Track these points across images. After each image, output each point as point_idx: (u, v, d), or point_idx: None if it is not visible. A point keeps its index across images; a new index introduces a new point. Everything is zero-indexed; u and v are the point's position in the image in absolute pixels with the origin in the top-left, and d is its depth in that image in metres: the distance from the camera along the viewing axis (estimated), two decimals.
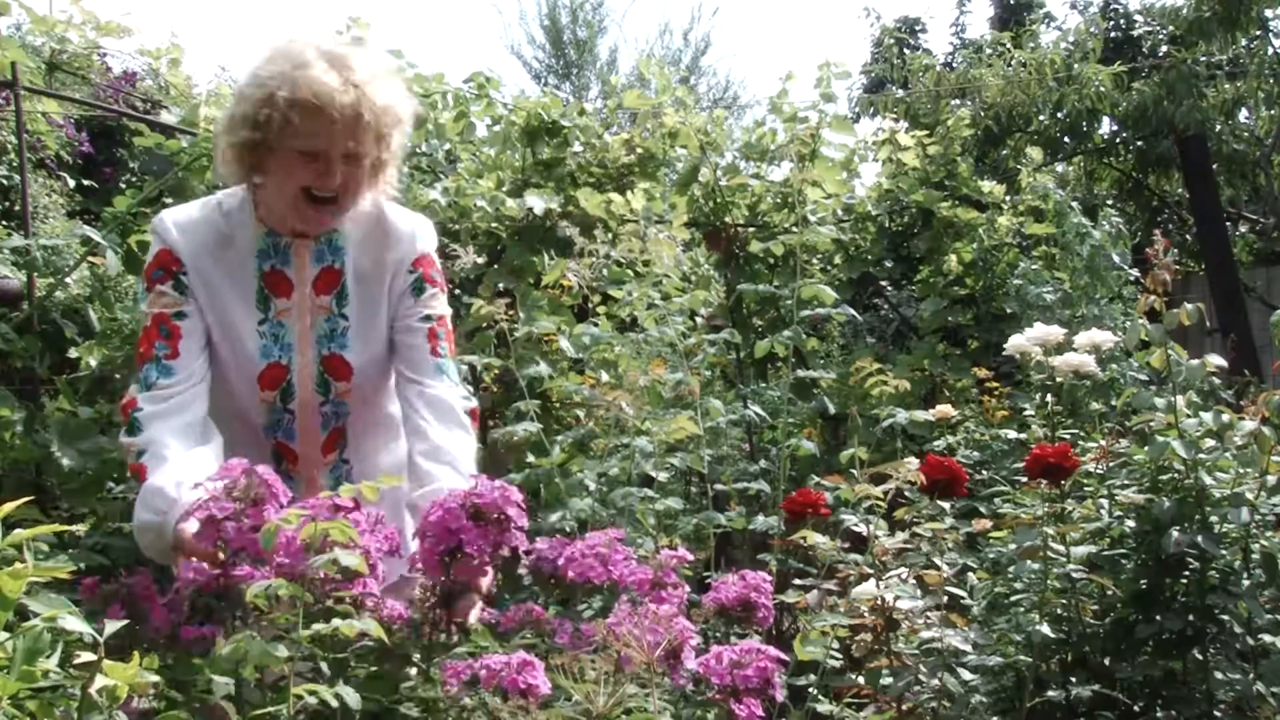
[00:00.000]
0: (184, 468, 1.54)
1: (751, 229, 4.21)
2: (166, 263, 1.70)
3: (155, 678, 1.12)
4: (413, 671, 1.35)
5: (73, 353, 3.14)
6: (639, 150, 3.99)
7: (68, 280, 3.20)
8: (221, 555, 1.32)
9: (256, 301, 1.72)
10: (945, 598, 1.94)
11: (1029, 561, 2.07)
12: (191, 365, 1.67)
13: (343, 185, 1.68)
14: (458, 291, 3.82)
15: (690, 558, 1.58)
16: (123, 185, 5.64)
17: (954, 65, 10.13)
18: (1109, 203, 9.28)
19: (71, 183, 5.09)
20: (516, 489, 1.37)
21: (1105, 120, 8.40)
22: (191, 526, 1.38)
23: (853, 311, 3.17)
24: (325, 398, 1.77)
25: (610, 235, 3.68)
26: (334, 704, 1.15)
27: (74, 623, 1.08)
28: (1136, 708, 2.01)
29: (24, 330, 3.02)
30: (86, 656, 1.10)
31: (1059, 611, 2.07)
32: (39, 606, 1.09)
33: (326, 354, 1.76)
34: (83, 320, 3.19)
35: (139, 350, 1.69)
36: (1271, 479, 2.03)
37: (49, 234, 3.46)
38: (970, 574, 2.18)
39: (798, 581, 2.01)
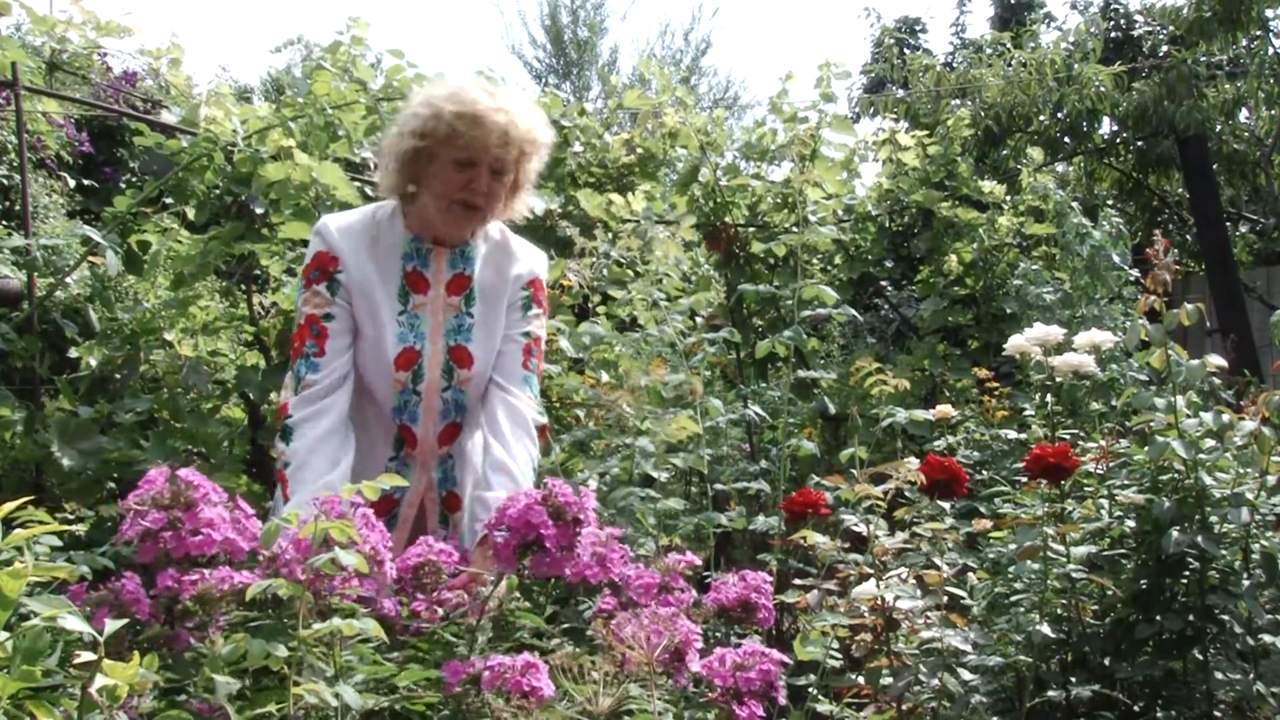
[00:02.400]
0: (310, 490, 1.78)
1: (752, 229, 4.21)
2: (324, 263, 1.97)
3: (155, 677, 1.12)
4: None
5: (73, 353, 3.15)
6: (639, 150, 3.99)
7: (68, 280, 3.20)
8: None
9: (399, 295, 1.99)
10: (945, 598, 1.94)
11: (1029, 561, 2.07)
12: (335, 362, 1.92)
13: (486, 196, 1.97)
14: None
15: (698, 561, 1.59)
16: (123, 185, 5.64)
17: (954, 65, 10.13)
18: (1109, 203, 9.28)
19: (72, 182, 5.09)
20: (593, 496, 1.44)
21: (1105, 120, 8.39)
22: None
23: (853, 312, 3.17)
24: (448, 383, 2.02)
25: (610, 235, 3.68)
26: (334, 703, 1.15)
27: (74, 622, 1.08)
28: (1136, 708, 2.01)
29: (24, 330, 3.02)
30: (86, 656, 1.10)
31: (1059, 611, 2.07)
32: (39, 606, 1.09)
33: (453, 345, 2.02)
34: (83, 320, 3.19)
35: (293, 346, 1.93)
36: (1271, 479, 2.03)
37: (49, 234, 3.46)
38: (970, 574, 2.18)
39: (798, 581, 2.01)
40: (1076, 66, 7.81)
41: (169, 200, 3.28)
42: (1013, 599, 2.13)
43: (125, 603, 1.29)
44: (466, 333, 2.03)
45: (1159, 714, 2.00)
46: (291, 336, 1.95)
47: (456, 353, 2.02)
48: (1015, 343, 2.48)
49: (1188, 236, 9.24)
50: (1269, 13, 7.63)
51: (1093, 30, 8.21)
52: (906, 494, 2.05)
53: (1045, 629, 1.98)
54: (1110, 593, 2.07)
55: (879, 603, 1.93)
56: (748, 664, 1.31)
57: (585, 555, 1.43)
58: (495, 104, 1.94)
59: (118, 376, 3.16)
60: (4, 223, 4.29)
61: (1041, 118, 8.08)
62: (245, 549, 1.39)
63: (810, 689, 1.95)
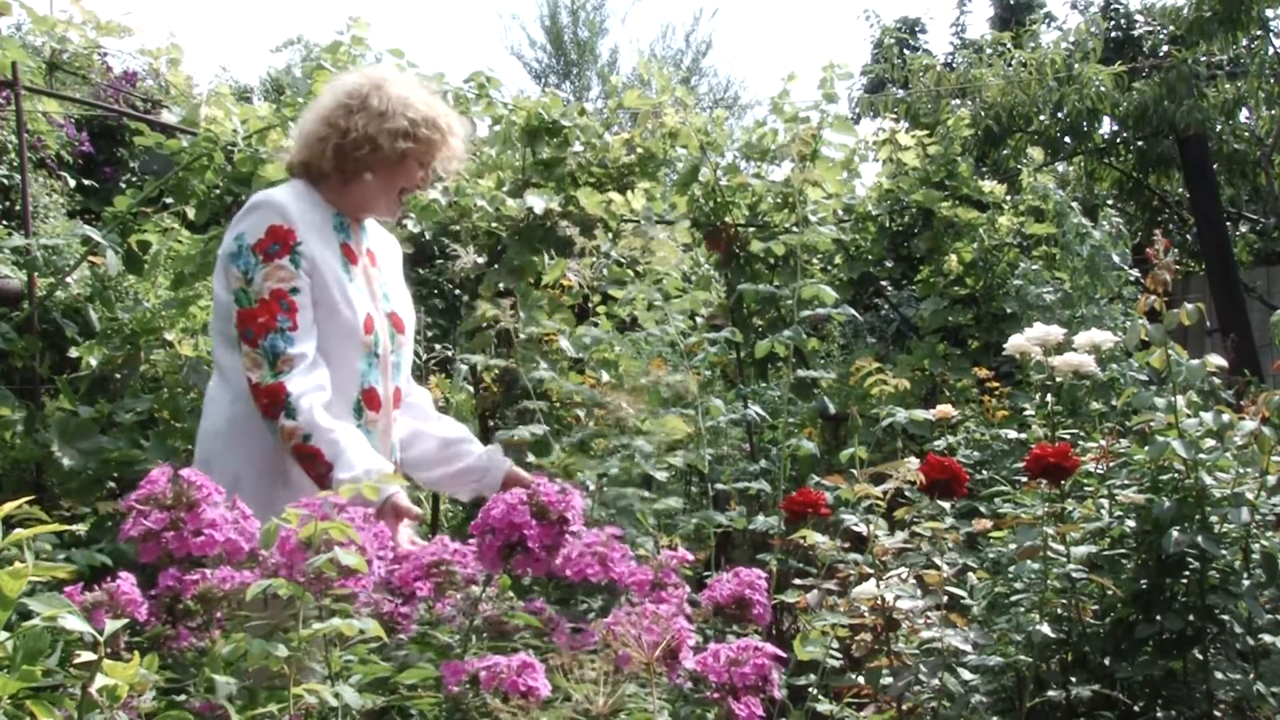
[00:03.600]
0: (359, 445, 1.87)
1: (752, 229, 4.21)
2: (282, 237, 1.94)
3: (155, 677, 1.13)
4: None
5: (73, 352, 3.15)
6: (639, 150, 3.99)
7: (68, 280, 3.20)
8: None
9: (342, 265, 2.02)
10: (945, 597, 1.94)
11: (1029, 561, 2.07)
12: (309, 335, 1.93)
13: (415, 192, 2.16)
14: (457, 291, 3.82)
15: (691, 558, 1.58)
16: (123, 185, 5.64)
17: (954, 65, 10.12)
18: (1109, 203, 9.28)
19: (72, 182, 5.09)
20: (579, 494, 1.44)
21: (1105, 120, 8.39)
22: (403, 496, 1.77)
23: (853, 311, 3.17)
24: (392, 346, 2.09)
25: (610, 235, 3.68)
26: (334, 703, 1.15)
27: (74, 622, 1.08)
28: (1136, 708, 2.01)
29: (24, 330, 3.02)
30: (86, 656, 1.10)
31: (1059, 611, 2.07)
32: (39, 606, 1.09)
33: (389, 311, 2.09)
34: (83, 320, 3.19)
35: (258, 321, 1.89)
36: (1271, 479, 2.03)
37: (49, 234, 3.46)
38: (970, 574, 2.18)
39: (798, 581, 2.01)
40: (1077, 66, 7.81)
41: (169, 200, 3.28)
42: (1013, 599, 2.13)
43: (121, 604, 1.29)
44: (390, 299, 2.11)
45: (1159, 714, 2.00)
46: (250, 312, 1.89)
47: (393, 318, 2.10)
48: (1015, 342, 2.48)
49: (1188, 236, 9.23)
50: (1269, 12, 7.63)
51: (1093, 30, 8.20)
52: (906, 494, 2.05)
53: (1045, 629, 1.98)
54: (1110, 592, 2.07)
55: (879, 602, 1.93)
56: (742, 659, 1.31)
57: (574, 554, 1.43)
58: (457, 118, 2.14)
59: (118, 376, 3.16)
60: (4, 222, 4.29)
61: (1042, 117, 8.07)
62: (246, 549, 1.39)
63: (810, 688, 1.95)
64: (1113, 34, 9.35)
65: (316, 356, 1.92)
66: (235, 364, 1.93)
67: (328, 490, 1.62)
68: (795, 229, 3.46)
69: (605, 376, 3.15)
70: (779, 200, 4.25)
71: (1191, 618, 2.00)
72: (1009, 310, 4.25)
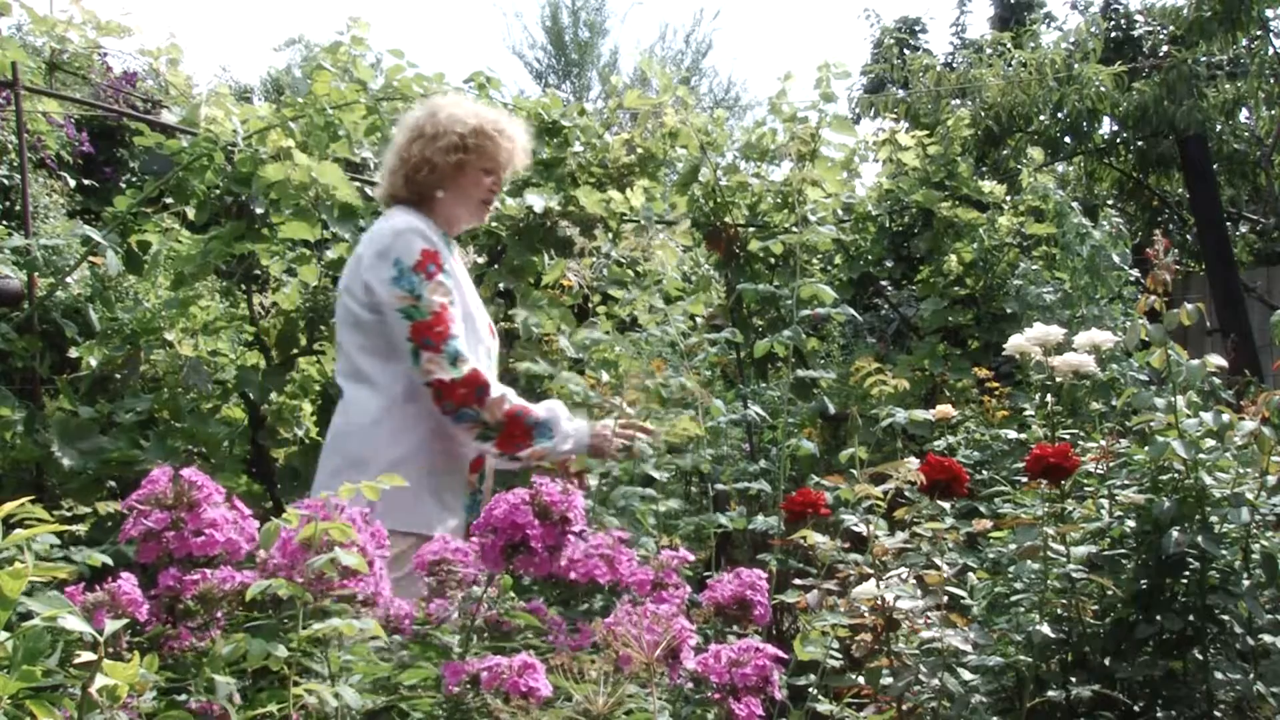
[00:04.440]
0: (556, 405, 2.29)
1: (751, 229, 4.22)
2: (433, 257, 2.20)
3: (155, 678, 1.13)
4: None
5: (73, 352, 3.15)
6: (639, 150, 3.99)
7: (68, 280, 3.20)
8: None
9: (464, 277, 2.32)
10: (945, 598, 1.94)
11: (1029, 561, 2.07)
12: (468, 341, 2.22)
13: (492, 199, 2.39)
14: None
15: (691, 558, 1.58)
16: (123, 185, 5.64)
17: (954, 65, 10.12)
18: (1109, 203, 9.28)
19: (72, 182, 5.09)
20: (580, 494, 1.45)
21: (1105, 120, 8.38)
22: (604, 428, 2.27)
23: (852, 311, 3.17)
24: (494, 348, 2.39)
25: (610, 235, 3.68)
26: (333, 703, 1.15)
27: (74, 622, 1.08)
28: (1137, 708, 2.01)
29: (24, 330, 3.02)
30: (86, 656, 1.10)
31: (1059, 611, 2.07)
32: (39, 606, 1.09)
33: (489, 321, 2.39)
34: (83, 320, 3.19)
35: (435, 330, 2.15)
36: (1271, 479, 2.03)
37: (49, 234, 3.46)
38: (970, 574, 2.18)
39: (798, 581, 2.01)
40: (1076, 66, 7.81)
41: (169, 200, 3.28)
42: (1013, 599, 2.13)
43: (122, 604, 1.29)
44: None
45: (1159, 714, 2.00)
46: (425, 324, 2.15)
47: (489, 325, 2.39)
48: (1015, 343, 2.48)
49: (1188, 236, 9.23)
50: (1269, 13, 7.63)
51: (1093, 30, 8.20)
52: (906, 494, 2.05)
53: (1045, 629, 1.98)
54: (1110, 593, 2.07)
55: (879, 603, 1.93)
56: (743, 659, 1.31)
57: (580, 555, 1.43)
58: (513, 124, 2.36)
59: (118, 376, 3.16)
60: (4, 223, 4.29)
61: (1042, 118, 8.07)
62: (246, 549, 1.39)
63: (810, 689, 1.95)
64: (1113, 34, 9.35)
65: (496, 378, 2.24)
66: (382, 370, 2.20)
67: (517, 456, 2.19)
68: (795, 229, 3.46)
69: (605, 376, 3.14)
70: (779, 200, 4.25)
71: (1191, 618, 2.00)
72: (1009, 310, 4.25)
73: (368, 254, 2.21)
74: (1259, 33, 7.80)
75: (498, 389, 2.18)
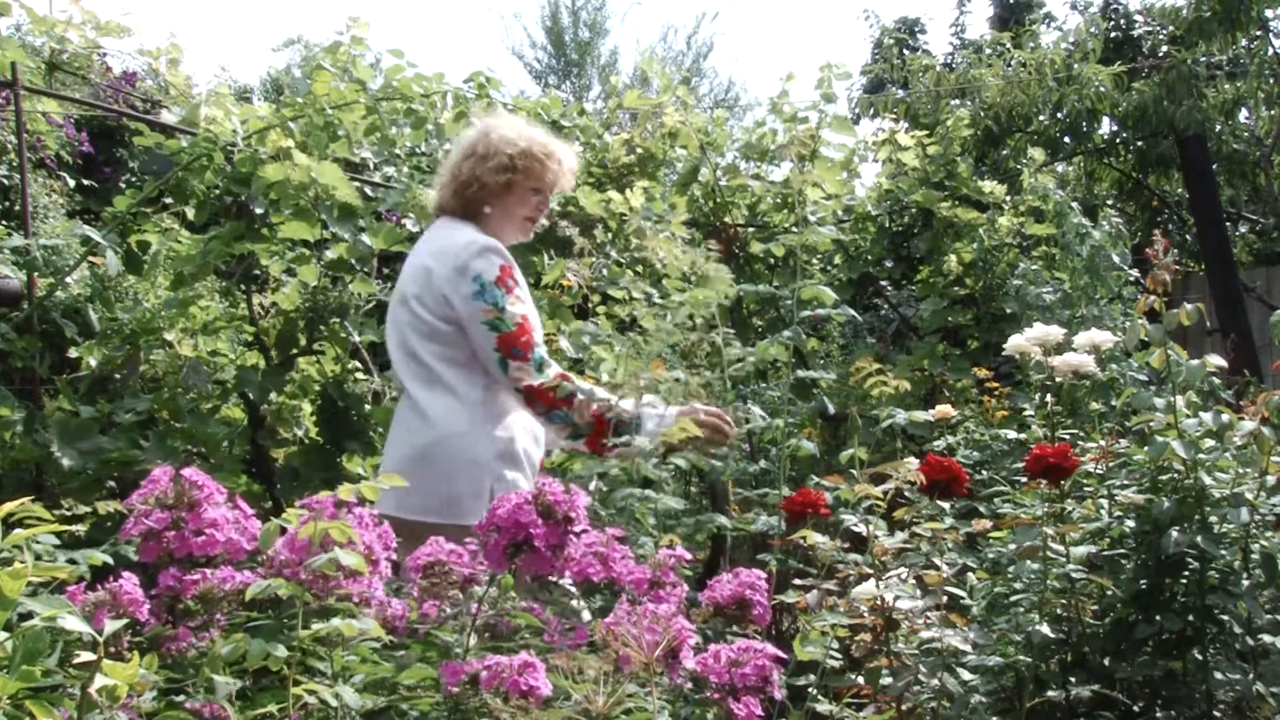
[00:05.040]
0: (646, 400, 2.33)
1: (751, 229, 4.22)
2: (513, 274, 2.34)
3: (155, 678, 1.12)
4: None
5: (73, 353, 3.15)
6: (639, 150, 3.99)
7: (68, 280, 3.20)
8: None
9: None
10: (945, 598, 1.94)
11: (1029, 561, 2.07)
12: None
13: (539, 218, 2.51)
14: None
15: (688, 557, 1.58)
16: (123, 185, 5.63)
17: (954, 66, 10.11)
18: (1109, 203, 9.28)
19: (71, 182, 5.09)
20: (583, 494, 1.46)
21: (1105, 120, 8.38)
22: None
23: (852, 312, 3.17)
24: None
25: (610, 235, 3.68)
26: (334, 703, 1.15)
27: (73, 622, 1.08)
28: (1136, 708, 2.01)
29: (24, 330, 3.02)
30: (86, 656, 1.10)
31: (1059, 611, 2.07)
32: (39, 606, 1.09)
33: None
34: (83, 320, 3.19)
35: (521, 340, 2.29)
36: (1271, 479, 2.03)
37: (49, 234, 3.46)
38: (970, 574, 2.18)
39: (797, 582, 2.01)
40: (1076, 66, 7.81)
41: (169, 200, 3.28)
42: (1012, 599, 2.13)
43: (123, 604, 1.29)
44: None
45: (1159, 714, 2.00)
46: (511, 335, 2.29)
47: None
48: (1015, 343, 2.48)
49: (1187, 236, 9.24)
50: (1269, 13, 7.63)
51: (1092, 30, 8.20)
52: (906, 494, 2.05)
53: (1045, 629, 1.98)
54: (1110, 593, 2.07)
55: (879, 603, 1.93)
56: (742, 659, 1.31)
57: (578, 553, 1.43)
58: (562, 148, 2.49)
59: (117, 376, 3.16)
60: (4, 222, 4.29)
61: (1041, 118, 8.07)
62: (247, 549, 1.39)
63: (810, 689, 1.95)
64: (1112, 34, 9.35)
65: (582, 381, 2.33)
66: (465, 378, 2.30)
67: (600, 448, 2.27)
68: (795, 229, 3.46)
69: (605, 376, 3.14)
70: (779, 201, 4.25)
71: (1191, 618, 2.00)
72: (1009, 310, 4.25)
73: (442, 269, 2.32)
74: (1258, 33, 7.80)
75: (584, 390, 2.30)
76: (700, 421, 2.28)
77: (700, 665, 1.32)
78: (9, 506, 1.17)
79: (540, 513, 1.39)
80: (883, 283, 4.96)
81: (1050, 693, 1.99)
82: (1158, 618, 2.00)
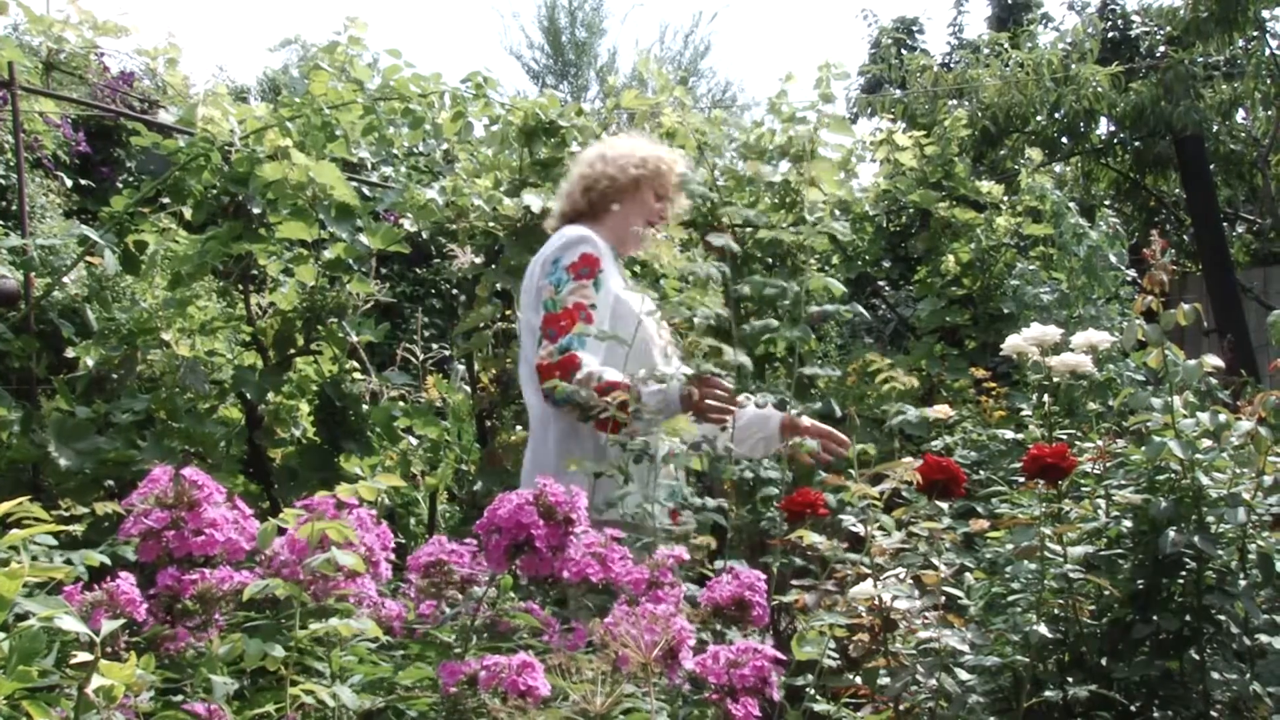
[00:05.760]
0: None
1: (749, 229, 4.21)
2: (591, 263, 2.37)
3: (152, 678, 1.12)
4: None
5: (70, 352, 3.14)
6: None
7: (65, 280, 3.20)
8: None
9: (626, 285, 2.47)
10: (942, 598, 1.94)
11: (1026, 561, 2.07)
12: (598, 350, 2.29)
13: (659, 223, 2.57)
14: (455, 291, 3.81)
15: (686, 557, 1.58)
16: (120, 185, 5.64)
17: (951, 66, 10.12)
18: (1106, 203, 9.30)
19: (69, 182, 5.09)
20: (584, 495, 1.45)
21: (1103, 121, 8.40)
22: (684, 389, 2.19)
23: (861, 309, 3.17)
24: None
25: None
26: (331, 703, 1.15)
27: (70, 622, 1.08)
28: (1133, 708, 2.01)
29: (21, 330, 3.01)
30: (83, 656, 1.09)
31: (1056, 611, 2.07)
32: (36, 606, 1.09)
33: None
34: (80, 320, 3.19)
35: (561, 323, 2.28)
36: (1268, 479, 2.03)
37: (46, 234, 3.46)
38: (967, 574, 2.18)
39: (795, 582, 2.01)
40: (1074, 67, 7.82)
41: (166, 200, 3.28)
42: (1010, 599, 2.13)
43: (120, 604, 1.29)
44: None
45: (1156, 714, 2.00)
46: (554, 316, 2.29)
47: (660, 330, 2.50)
48: (1012, 343, 2.48)
49: (1185, 237, 9.25)
50: (1265, 13, 7.64)
51: (1090, 30, 8.22)
52: (904, 494, 2.05)
53: (1042, 629, 1.98)
54: (1107, 593, 2.07)
55: (876, 603, 1.93)
56: (741, 661, 1.31)
57: (577, 554, 1.43)
58: (678, 155, 2.63)
59: (115, 376, 3.16)
60: (1, 222, 4.28)
61: (1039, 118, 8.08)
62: (245, 549, 1.39)
63: (807, 689, 1.95)
64: (1110, 34, 9.36)
65: (597, 364, 2.25)
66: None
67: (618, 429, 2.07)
68: (793, 229, 3.46)
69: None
70: (777, 201, 4.25)
71: (1188, 618, 2.00)
72: (1006, 310, 4.25)
73: (535, 265, 2.43)
74: (1255, 33, 7.82)
75: (592, 367, 2.22)
76: (704, 393, 2.24)
77: (699, 666, 1.32)
78: (6, 506, 1.16)
79: (541, 513, 1.39)
80: (880, 283, 4.97)
81: (1047, 693, 1.99)
82: (1155, 618, 2.00)
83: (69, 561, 1.38)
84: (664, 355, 2.43)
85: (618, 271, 2.47)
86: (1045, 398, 2.52)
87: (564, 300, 2.31)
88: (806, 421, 2.44)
